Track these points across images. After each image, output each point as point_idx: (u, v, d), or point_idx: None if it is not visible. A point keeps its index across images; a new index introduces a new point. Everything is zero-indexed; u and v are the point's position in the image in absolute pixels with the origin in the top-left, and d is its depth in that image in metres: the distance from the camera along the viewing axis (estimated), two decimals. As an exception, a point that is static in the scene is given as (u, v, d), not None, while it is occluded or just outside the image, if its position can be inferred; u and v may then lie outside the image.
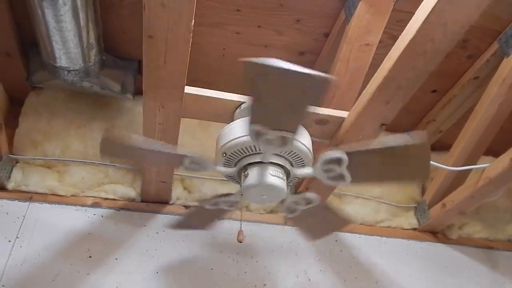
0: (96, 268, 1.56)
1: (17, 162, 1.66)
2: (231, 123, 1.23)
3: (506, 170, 1.45)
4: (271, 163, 1.15)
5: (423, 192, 1.91)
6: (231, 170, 1.19)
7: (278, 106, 0.94)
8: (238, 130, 1.16)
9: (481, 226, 1.90)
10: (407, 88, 1.22)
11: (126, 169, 1.70)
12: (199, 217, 1.47)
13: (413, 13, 1.08)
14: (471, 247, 1.86)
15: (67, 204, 1.65)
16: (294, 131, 1.00)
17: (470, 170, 1.67)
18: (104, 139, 1.06)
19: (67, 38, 1.29)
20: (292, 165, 1.18)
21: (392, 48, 1.15)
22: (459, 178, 1.73)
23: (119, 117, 1.72)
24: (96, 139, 1.68)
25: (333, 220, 1.36)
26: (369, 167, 1.10)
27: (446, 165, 1.64)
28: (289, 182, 1.20)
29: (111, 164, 1.69)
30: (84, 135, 1.67)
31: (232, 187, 1.76)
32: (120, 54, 1.59)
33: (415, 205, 1.89)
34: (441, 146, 1.95)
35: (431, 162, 1.62)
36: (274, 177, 1.13)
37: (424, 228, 1.85)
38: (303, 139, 1.15)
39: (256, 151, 1.14)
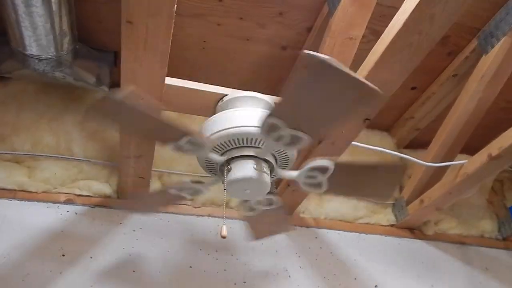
0: (69, 267, 1.50)
1: (-17, 157, 1.57)
2: (216, 114, 1.19)
3: (484, 166, 1.48)
4: (260, 158, 1.12)
5: (400, 189, 1.93)
6: (221, 158, 1.14)
7: (314, 107, 0.91)
8: (233, 120, 1.11)
9: (455, 222, 1.94)
10: (393, 82, 1.21)
11: (101, 165, 1.64)
12: (153, 200, 1.41)
13: (396, 8, 1.07)
14: (446, 243, 1.90)
15: (38, 200, 1.58)
16: (313, 136, 0.98)
17: (447, 167, 1.70)
18: (105, 96, 0.98)
19: (37, 24, 1.22)
20: (276, 163, 1.16)
21: (378, 41, 1.15)
22: (437, 175, 1.75)
23: (93, 110, 1.65)
24: (69, 133, 1.61)
25: (382, 172, 1.23)
26: (345, 181, 1.12)
27: (425, 161, 1.65)
28: (278, 166, 1.18)
29: (86, 159, 1.62)
30: (57, 128, 1.59)
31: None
32: (95, 44, 1.51)
33: (393, 202, 1.91)
34: (419, 143, 1.97)
35: (411, 158, 1.65)
36: (262, 173, 1.11)
37: (402, 224, 1.88)
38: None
39: (251, 144, 1.10)
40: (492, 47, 1.52)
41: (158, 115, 1.04)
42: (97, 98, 0.92)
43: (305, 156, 1.46)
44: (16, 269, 1.44)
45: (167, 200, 1.37)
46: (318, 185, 1.13)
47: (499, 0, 1.45)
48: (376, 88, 0.84)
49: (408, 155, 1.73)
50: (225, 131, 1.10)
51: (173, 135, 1.04)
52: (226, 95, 1.28)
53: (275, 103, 0.97)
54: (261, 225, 1.40)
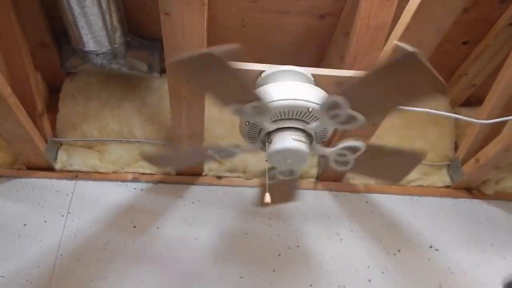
0: (140, 236, 1.69)
1: (61, 145, 1.79)
2: (276, 83, 1.18)
3: (542, 121, 1.39)
4: (288, 128, 1.16)
5: (456, 148, 1.87)
6: (255, 146, 1.21)
7: (384, 93, 0.94)
8: (290, 92, 1.14)
9: (518, 180, 1.84)
10: (429, 41, 1.18)
11: (160, 145, 1.79)
12: (185, 156, 1.43)
13: None
14: (508, 202, 1.82)
15: (109, 180, 1.78)
16: (371, 119, 1.02)
17: (504, 123, 1.61)
18: (144, 158, 1.08)
19: (91, 22, 1.35)
20: (308, 123, 1.16)
21: (410, 1, 1.12)
22: (494, 133, 1.67)
23: (148, 96, 1.79)
24: (130, 118, 1.78)
25: (403, 158, 1.28)
26: (375, 98, 1.04)
27: (478, 119, 1.59)
28: (316, 141, 1.21)
29: (146, 141, 1.79)
30: (119, 115, 1.77)
31: (263, 155, 1.82)
32: (144, 34, 1.63)
33: (448, 163, 1.86)
34: (476, 100, 1.88)
35: (461, 117, 1.59)
36: (302, 143, 1.15)
37: (458, 185, 1.83)
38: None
39: (303, 118, 1.14)
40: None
41: (181, 152, 1.13)
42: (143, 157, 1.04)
43: (339, 133, 1.49)
44: (97, 239, 1.67)
45: (199, 157, 1.43)
46: (345, 163, 1.17)
47: None
48: (446, 85, 0.86)
49: (464, 113, 1.67)
50: (288, 101, 1.11)
51: (243, 97, 1.02)
52: (264, 71, 1.32)
53: (348, 82, 0.99)
54: (383, 170, 1.38)
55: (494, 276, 1.65)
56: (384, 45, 1.43)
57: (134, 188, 1.79)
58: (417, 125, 1.85)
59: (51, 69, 1.72)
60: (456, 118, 1.62)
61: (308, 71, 1.28)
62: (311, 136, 1.19)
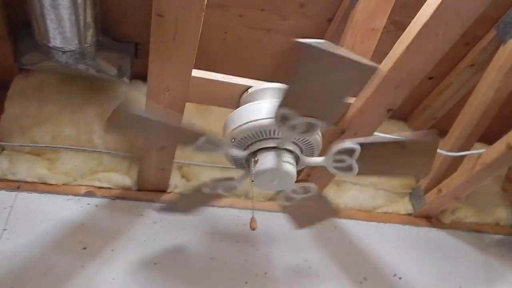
0: (91, 260, 1.49)
1: (3, 149, 1.56)
2: (240, 107, 1.19)
3: (503, 155, 1.49)
4: (284, 149, 1.12)
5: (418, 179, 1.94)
6: (243, 153, 1.15)
7: (318, 92, 0.91)
8: (252, 114, 1.12)
9: (472, 211, 1.95)
10: (417, 72, 1.22)
11: (122, 157, 1.63)
12: (190, 200, 1.43)
13: None
14: (463, 231, 1.92)
15: (58, 193, 1.57)
16: (325, 120, 0.98)
17: (464, 156, 1.71)
18: (118, 108, 0.98)
19: (63, 16, 1.21)
20: (302, 152, 1.16)
21: (404, 32, 1.15)
22: (454, 164, 1.76)
23: (114, 102, 1.63)
24: (90, 125, 1.60)
25: (323, 209, 1.37)
26: (376, 160, 1.11)
27: (445, 151, 1.66)
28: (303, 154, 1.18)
29: (106, 151, 1.62)
30: (78, 120, 1.59)
31: (232, 174, 1.73)
32: (117, 36, 1.51)
33: (410, 191, 1.92)
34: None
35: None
36: (287, 164, 1.11)
37: (419, 213, 1.89)
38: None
39: (271, 136, 1.11)
40: (511, 37, 1.52)
41: (172, 121, 1.08)
42: (113, 110, 0.96)
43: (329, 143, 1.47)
44: (38, 261, 1.44)
45: (203, 199, 1.39)
46: (348, 168, 1.12)
47: (519, -11, 1.45)
48: (372, 63, 0.83)
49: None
50: (243, 126, 1.12)
51: (191, 138, 1.08)
52: (251, 86, 1.28)
53: (282, 93, 0.97)
54: (303, 213, 1.39)
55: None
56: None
57: (88, 204, 1.59)
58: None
59: (1, 63, 1.51)
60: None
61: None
62: (294, 152, 1.15)
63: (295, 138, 1.12)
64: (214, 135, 1.08)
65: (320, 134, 1.17)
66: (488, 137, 1.70)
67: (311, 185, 1.23)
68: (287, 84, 0.92)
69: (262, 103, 1.17)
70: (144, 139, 1.44)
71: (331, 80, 0.88)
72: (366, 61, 0.83)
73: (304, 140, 1.14)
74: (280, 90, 1.23)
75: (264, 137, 1.12)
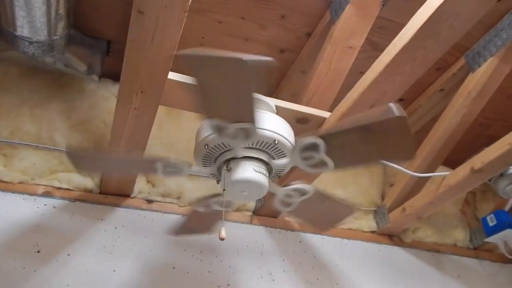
0: (45, 264, 1.41)
1: (-45, 142, 1.45)
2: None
3: (466, 179, 1.54)
4: (249, 157, 1.10)
5: (383, 197, 1.98)
6: (208, 170, 1.13)
7: (224, 97, 0.91)
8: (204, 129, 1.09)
9: (431, 231, 2.00)
10: (393, 93, 1.24)
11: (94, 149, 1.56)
12: (199, 220, 1.36)
13: (395, 22, 1.10)
14: (423, 250, 1.96)
15: (13, 192, 1.48)
16: (251, 120, 0.96)
17: (428, 177, 1.75)
18: (67, 153, 0.96)
19: (33, 4, 1.14)
20: (272, 157, 1.13)
21: (383, 53, 1.17)
22: (418, 185, 1.81)
23: (79, 100, 1.57)
24: (53, 122, 1.52)
25: (337, 209, 1.30)
26: (349, 149, 1.03)
27: (411, 171, 1.70)
28: (273, 176, 1.16)
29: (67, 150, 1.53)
30: (40, 116, 1.50)
31: (201, 182, 1.69)
32: (89, 31, 1.44)
33: (375, 209, 1.95)
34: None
35: (397, 166, 1.68)
36: (254, 172, 1.08)
37: (382, 231, 1.92)
38: (276, 128, 1.08)
39: (225, 148, 1.08)
40: (479, 66, 1.59)
41: (122, 157, 1.06)
42: (67, 151, 0.96)
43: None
44: (-14, 264, 1.34)
45: (138, 168, 1.30)
46: (322, 164, 1.06)
47: (490, 21, 1.52)
48: (258, 58, 0.81)
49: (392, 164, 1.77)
50: (202, 140, 1.07)
51: (148, 167, 1.09)
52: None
53: (332, 129, 0.98)
54: (315, 216, 1.34)
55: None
56: (339, 88, 1.48)
57: (45, 205, 1.50)
58: (352, 170, 1.92)
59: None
60: (392, 167, 1.71)
61: (273, 102, 1.25)
62: (271, 171, 1.14)
63: (250, 144, 1.07)
64: (169, 160, 1.06)
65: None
66: (452, 161, 1.76)
67: (305, 186, 1.18)
68: (345, 126, 0.92)
69: (271, 116, 1.12)
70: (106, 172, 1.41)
71: (229, 83, 0.87)
72: (251, 57, 0.81)
73: (265, 144, 1.08)
74: (260, 101, 1.22)
75: (222, 150, 1.08)
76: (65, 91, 1.56)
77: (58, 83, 1.55)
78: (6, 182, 1.47)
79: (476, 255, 2.04)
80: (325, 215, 1.34)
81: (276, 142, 1.06)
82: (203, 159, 1.15)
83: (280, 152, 1.09)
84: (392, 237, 1.95)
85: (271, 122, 1.08)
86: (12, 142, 1.48)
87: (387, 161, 1.07)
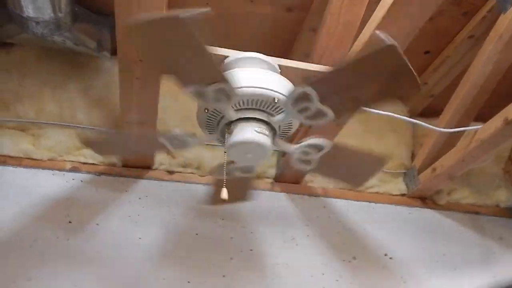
0: (76, 233, 1.50)
1: (-13, 125, 1.57)
2: (244, 69, 1.12)
3: (499, 131, 1.41)
4: (250, 118, 1.07)
5: (412, 158, 1.87)
6: (213, 136, 1.12)
7: (357, 87, 0.88)
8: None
9: (469, 192, 1.88)
10: (400, 39, 1.15)
11: (106, 131, 1.62)
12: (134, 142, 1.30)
13: None
14: (459, 213, 1.85)
15: (43, 168, 1.58)
16: (222, 79, 0.92)
17: (461, 134, 1.63)
18: (86, 143, 0.97)
19: (33, -17, 1.19)
20: (272, 115, 1.08)
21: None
22: (450, 143, 1.68)
23: (96, 78, 1.62)
24: (73, 101, 1.60)
25: (366, 162, 1.24)
26: (345, 92, 0.96)
27: (439, 127, 1.59)
28: (282, 136, 1.13)
29: (90, 127, 1.61)
30: (60, 96, 1.58)
31: (219, 151, 1.70)
32: (93, 8, 1.47)
33: (404, 171, 1.86)
34: (433, 111, 1.90)
35: (422, 123, 1.58)
36: (254, 133, 1.04)
37: (413, 194, 1.83)
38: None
39: (265, 109, 1.05)
40: (512, 4, 1.42)
41: (130, 137, 1.04)
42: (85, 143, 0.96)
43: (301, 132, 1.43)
44: (23, 235, 1.46)
45: (149, 146, 1.30)
46: (308, 162, 1.11)
47: (520, -48, 1.35)
48: (193, 11, 0.78)
49: (420, 122, 1.66)
50: (256, 89, 1.03)
51: (208, 77, 0.91)
52: (227, 56, 1.23)
53: (320, 74, 0.92)
54: (345, 172, 1.29)
55: (444, 287, 1.65)
56: (353, 43, 1.40)
57: (73, 179, 1.59)
58: (377, 131, 1.84)
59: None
60: (418, 125, 1.61)
61: (275, 61, 1.21)
62: (275, 130, 1.11)
63: (289, 120, 1.06)
64: (232, 87, 0.97)
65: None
66: (486, 116, 1.61)
67: (319, 140, 1.13)
68: (333, 69, 0.88)
69: (268, 73, 1.10)
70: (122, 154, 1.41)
71: (377, 80, 0.86)
72: (182, 12, 0.77)
73: (287, 123, 1.09)
74: (261, 60, 1.18)
75: (261, 108, 1.05)
76: (82, 70, 1.62)
77: (75, 64, 1.61)
78: (36, 159, 1.57)
79: (521, 215, 1.88)
80: (354, 170, 1.27)
81: (259, 97, 1.02)
82: (206, 124, 1.15)
83: (276, 108, 1.06)
84: (425, 200, 1.85)
85: (254, 78, 1.05)
86: (39, 122, 1.57)
87: (391, 98, 0.98)
